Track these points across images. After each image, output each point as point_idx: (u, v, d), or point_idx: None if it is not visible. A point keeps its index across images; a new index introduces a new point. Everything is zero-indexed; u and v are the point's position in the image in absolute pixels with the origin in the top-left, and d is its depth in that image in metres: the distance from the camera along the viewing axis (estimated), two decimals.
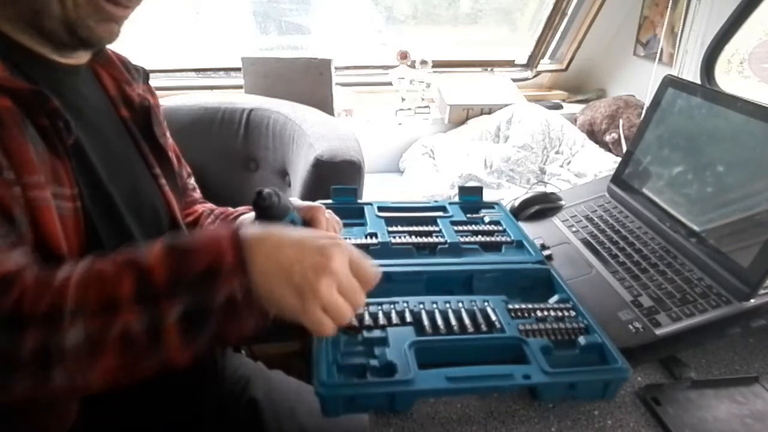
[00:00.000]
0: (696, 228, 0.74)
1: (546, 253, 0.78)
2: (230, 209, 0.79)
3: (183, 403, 0.67)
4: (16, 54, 0.51)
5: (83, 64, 0.60)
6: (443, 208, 0.84)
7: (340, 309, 0.45)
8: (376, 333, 0.57)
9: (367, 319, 0.59)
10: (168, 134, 0.77)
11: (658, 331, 0.62)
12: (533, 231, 0.82)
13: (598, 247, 0.79)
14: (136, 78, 0.70)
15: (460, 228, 0.79)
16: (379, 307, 0.60)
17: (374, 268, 0.48)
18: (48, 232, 0.47)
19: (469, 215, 0.84)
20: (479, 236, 0.78)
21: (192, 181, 0.88)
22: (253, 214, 0.72)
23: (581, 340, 0.58)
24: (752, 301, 0.64)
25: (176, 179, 0.72)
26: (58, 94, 0.52)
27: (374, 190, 1.61)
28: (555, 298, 0.66)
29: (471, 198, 0.88)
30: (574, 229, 0.85)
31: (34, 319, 0.39)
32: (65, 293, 0.40)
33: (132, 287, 0.41)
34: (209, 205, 0.84)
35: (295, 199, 0.67)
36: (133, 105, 0.67)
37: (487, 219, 0.83)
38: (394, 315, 0.60)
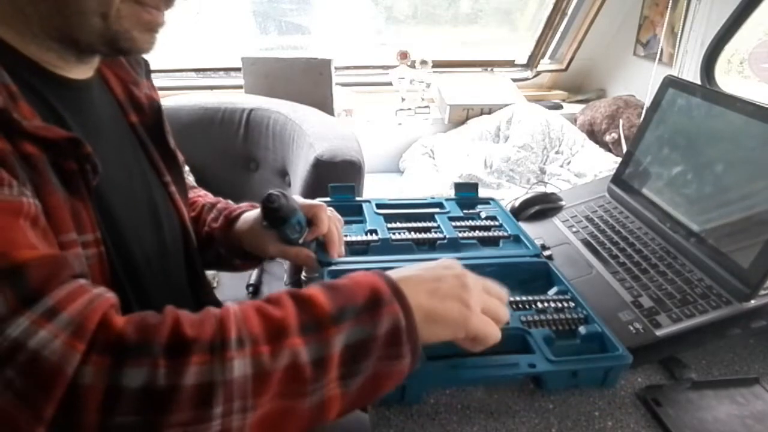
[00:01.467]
0: (696, 228, 0.74)
1: (546, 253, 0.78)
2: (231, 204, 0.79)
3: None
4: (27, 71, 0.47)
5: (94, 75, 0.57)
6: (440, 205, 0.85)
7: (497, 309, 0.48)
8: None
9: None
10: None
11: (659, 332, 0.62)
12: (533, 231, 0.82)
13: (599, 248, 0.79)
14: (139, 73, 0.66)
15: (458, 224, 0.80)
16: None
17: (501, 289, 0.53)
18: None
19: (465, 211, 0.84)
20: (477, 231, 0.79)
21: (186, 167, 0.86)
22: (255, 211, 0.72)
23: (581, 329, 0.60)
24: (752, 301, 0.64)
25: (184, 183, 0.70)
26: (76, 115, 0.50)
27: (374, 190, 1.61)
28: (554, 290, 0.68)
29: (467, 194, 0.89)
30: (574, 229, 0.85)
31: (198, 345, 0.36)
32: (227, 323, 0.38)
33: (297, 315, 0.40)
34: (206, 196, 0.83)
35: (297, 197, 0.67)
36: (142, 108, 0.64)
37: (483, 214, 0.84)
38: None
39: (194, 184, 0.87)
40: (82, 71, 0.54)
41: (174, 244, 0.64)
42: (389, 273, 0.46)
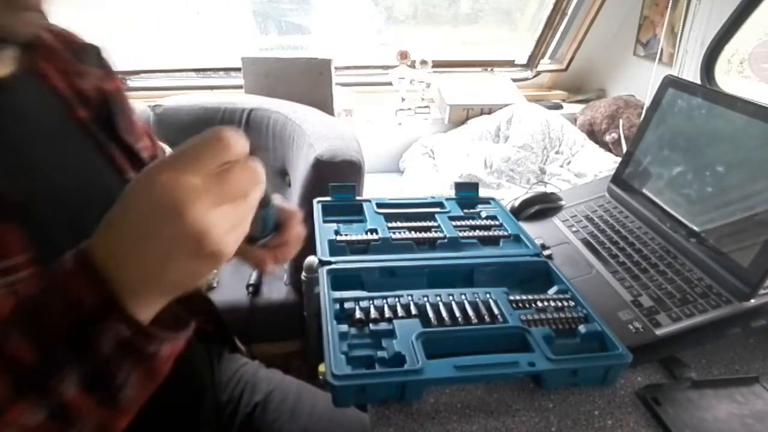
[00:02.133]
0: (696, 228, 0.74)
1: (546, 253, 0.78)
2: None
3: (180, 413, 0.64)
4: None
5: (17, 71, 0.50)
6: (440, 204, 0.85)
7: (245, 213, 0.36)
8: (383, 326, 0.58)
9: (374, 313, 0.60)
10: (136, 116, 0.69)
11: (658, 331, 0.62)
12: (533, 231, 0.82)
13: (598, 247, 0.79)
14: (89, 62, 0.60)
15: (458, 223, 0.80)
16: (384, 301, 0.62)
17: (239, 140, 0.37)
18: None
19: (465, 210, 0.84)
20: (477, 231, 0.79)
21: (168, 150, 0.80)
22: None
23: (581, 328, 0.60)
24: (752, 301, 0.64)
25: None
26: None
27: (374, 190, 1.61)
28: (554, 289, 0.68)
29: (467, 194, 0.89)
30: (574, 229, 0.85)
31: None
32: None
33: (5, 384, 0.33)
34: None
35: (276, 196, 0.63)
36: (91, 102, 0.58)
37: (483, 214, 0.84)
38: (399, 308, 0.61)
39: None
40: None
41: None
42: (91, 242, 0.35)
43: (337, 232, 0.74)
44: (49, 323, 0.35)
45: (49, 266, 0.39)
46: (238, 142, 0.37)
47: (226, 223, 0.35)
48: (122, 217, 0.35)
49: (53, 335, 0.34)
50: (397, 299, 0.62)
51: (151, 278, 0.35)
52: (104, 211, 0.49)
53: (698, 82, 1.48)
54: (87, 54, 0.60)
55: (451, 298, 0.63)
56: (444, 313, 0.61)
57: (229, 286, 1.29)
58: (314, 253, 0.70)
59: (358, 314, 0.59)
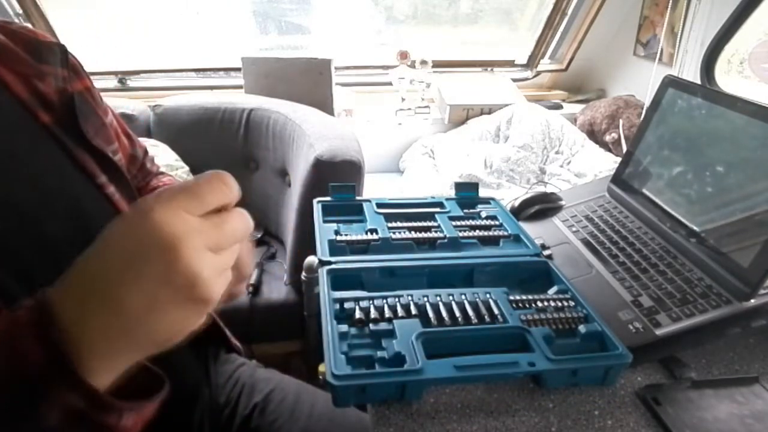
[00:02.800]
0: (696, 228, 0.74)
1: (546, 253, 0.78)
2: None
3: (174, 417, 0.61)
4: None
5: None
6: (440, 204, 0.85)
7: (221, 262, 0.33)
8: (383, 326, 0.58)
9: (373, 313, 0.60)
10: (110, 116, 0.65)
11: (658, 331, 0.62)
12: (533, 231, 0.82)
13: (598, 247, 0.79)
14: (51, 62, 0.56)
15: (458, 223, 0.80)
16: (384, 301, 0.62)
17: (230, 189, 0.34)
18: None
19: (465, 210, 0.84)
20: (477, 231, 0.79)
21: (150, 155, 0.77)
22: None
23: (581, 328, 0.60)
24: (752, 301, 0.64)
25: (125, 180, 0.61)
26: None
27: (374, 190, 1.61)
28: (554, 289, 0.68)
29: (467, 193, 0.89)
30: (574, 229, 0.85)
31: None
32: None
33: None
34: (170, 184, 0.75)
35: None
36: (53, 105, 0.54)
37: (483, 214, 0.84)
38: (399, 308, 0.61)
39: (160, 170, 0.80)
40: None
41: None
42: (52, 291, 0.30)
43: (337, 232, 0.74)
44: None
45: (7, 287, 0.37)
46: (235, 186, 0.34)
47: (218, 268, 0.32)
48: (102, 255, 0.30)
49: None
50: (397, 299, 0.62)
51: (128, 328, 0.30)
52: (70, 222, 0.47)
53: (698, 82, 1.48)
54: (49, 54, 0.57)
55: (451, 298, 0.63)
56: (444, 313, 0.61)
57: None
58: (314, 253, 0.70)
59: (358, 314, 0.59)
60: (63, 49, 0.59)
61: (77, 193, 0.53)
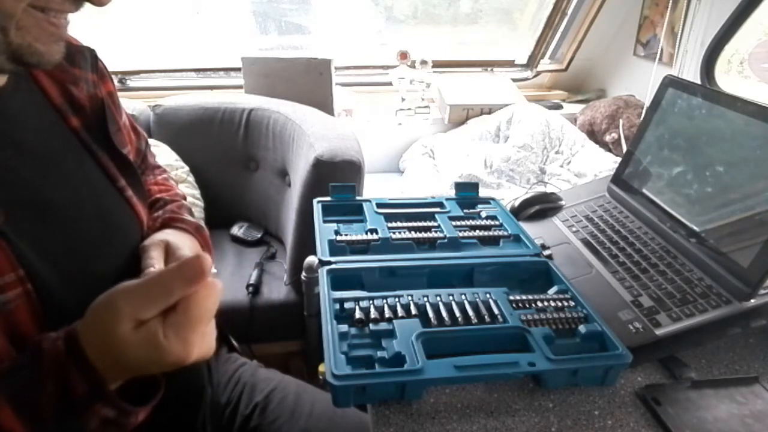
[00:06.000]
0: (696, 228, 0.74)
1: (546, 252, 0.78)
2: (176, 214, 0.69)
3: (179, 415, 0.64)
4: None
5: (8, 82, 0.49)
6: (440, 204, 0.85)
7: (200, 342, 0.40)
8: (383, 326, 0.58)
9: (373, 313, 0.60)
10: (124, 116, 0.68)
11: (658, 331, 0.62)
12: (533, 231, 0.82)
13: (598, 247, 0.79)
14: (83, 66, 0.59)
15: (458, 223, 0.80)
16: (384, 301, 0.62)
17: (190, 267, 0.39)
18: None
19: (465, 210, 0.84)
20: (477, 231, 0.79)
21: (150, 149, 0.80)
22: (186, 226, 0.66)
23: (581, 328, 0.60)
24: (752, 301, 0.64)
25: (141, 185, 0.64)
26: None
27: (374, 190, 1.61)
28: (554, 289, 0.68)
29: (467, 193, 0.89)
30: (574, 229, 0.85)
31: None
32: None
33: None
34: (166, 185, 0.77)
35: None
36: (84, 110, 0.57)
37: (483, 214, 0.84)
38: (399, 308, 0.61)
39: (158, 163, 0.82)
40: None
41: (133, 255, 0.59)
42: (89, 353, 0.39)
43: (337, 232, 0.74)
44: (40, 401, 0.38)
45: (39, 287, 0.44)
46: (207, 269, 0.39)
47: (202, 340, 0.40)
48: (102, 340, 0.39)
49: (42, 411, 0.38)
50: (397, 299, 0.62)
51: (128, 375, 0.41)
52: (98, 224, 0.54)
53: (698, 82, 1.48)
54: (81, 58, 0.59)
55: (451, 298, 0.63)
56: (444, 313, 0.61)
57: (229, 286, 1.29)
58: (314, 253, 0.70)
59: (358, 314, 0.59)
60: (93, 54, 0.61)
61: (102, 195, 0.57)
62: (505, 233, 0.78)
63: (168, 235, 0.62)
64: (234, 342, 0.83)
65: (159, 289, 0.38)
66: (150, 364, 0.40)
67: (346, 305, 0.61)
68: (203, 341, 0.40)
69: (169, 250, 0.59)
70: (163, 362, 0.39)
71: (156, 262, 0.56)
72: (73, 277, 0.49)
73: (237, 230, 1.48)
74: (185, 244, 0.62)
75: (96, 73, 0.61)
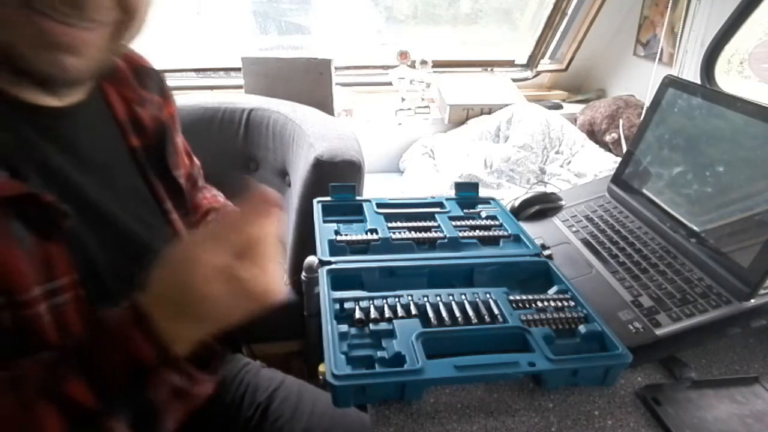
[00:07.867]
0: (696, 228, 0.74)
1: (546, 253, 0.78)
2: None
3: (200, 411, 0.65)
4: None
5: (86, 100, 0.51)
6: (440, 204, 0.85)
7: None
8: (383, 326, 0.58)
9: (373, 313, 0.60)
10: (180, 137, 0.71)
11: (659, 331, 0.62)
12: (533, 231, 0.82)
13: (598, 247, 0.79)
14: (150, 88, 0.61)
15: (458, 223, 0.80)
16: (384, 301, 0.62)
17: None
18: (37, 340, 0.43)
19: (465, 210, 0.84)
20: (477, 231, 0.79)
21: (201, 172, 0.84)
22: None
23: (581, 328, 0.60)
24: (752, 301, 0.64)
25: (187, 206, 0.66)
26: (52, 144, 0.47)
27: (374, 190, 1.61)
28: (554, 289, 0.68)
29: (467, 193, 0.89)
30: (574, 229, 0.85)
31: None
32: None
33: (61, 422, 0.37)
34: (214, 199, 0.81)
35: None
36: (146, 131, 0.59)
37: (483, 214, 0.84)
38: (399, 308, 0.61)
39: (203, 183, 0.86)
40: (62, 98, 0.49)
41: None
42: (141, 300, 0.40)
43: (337, 232, 0.74)
44: (109, 372, 0.39)
45: (87, 289, 0.46)
46: (272, 197, 0.41)
47: (276, 271, 0.41)
48: (168, 280, 0.40)
49: (111, 382, 0.38)
50: (397, 299, 0.62)
51: (210, 328, 0.41)
52: (139, 240, 0.55)
53: (698, 82, 1.47)
54: (149, 80, 0.61)
55: (451, 298, 0.63)
56: (444, 313, 0.61)
57: None
58: (314, 253, 0.70)
59: (358, 314, 0.59)
60: (160, 77, 0.64)
61: (142, 216, 0.58)
62: (505, 233, 0.78)
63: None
64: (238, 342, 0.83)
65: (228, 231, 0.39)
66: (236, 308, 0.40)
67: (346, 305, 0.61)
68: (277, 273, 0.41)
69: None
70: (250, 299, 0.39)
71: None
72: (113, 286, 0.50)
73: None
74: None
75: (162, 95, 0.64)
